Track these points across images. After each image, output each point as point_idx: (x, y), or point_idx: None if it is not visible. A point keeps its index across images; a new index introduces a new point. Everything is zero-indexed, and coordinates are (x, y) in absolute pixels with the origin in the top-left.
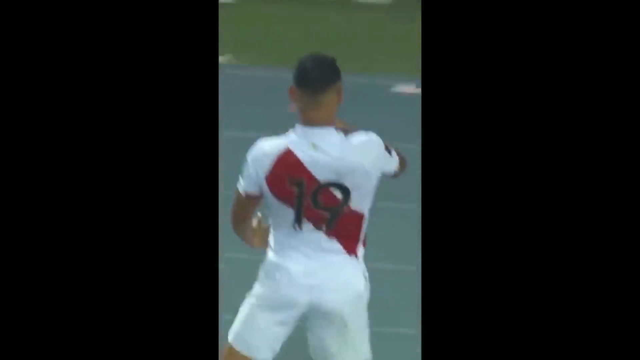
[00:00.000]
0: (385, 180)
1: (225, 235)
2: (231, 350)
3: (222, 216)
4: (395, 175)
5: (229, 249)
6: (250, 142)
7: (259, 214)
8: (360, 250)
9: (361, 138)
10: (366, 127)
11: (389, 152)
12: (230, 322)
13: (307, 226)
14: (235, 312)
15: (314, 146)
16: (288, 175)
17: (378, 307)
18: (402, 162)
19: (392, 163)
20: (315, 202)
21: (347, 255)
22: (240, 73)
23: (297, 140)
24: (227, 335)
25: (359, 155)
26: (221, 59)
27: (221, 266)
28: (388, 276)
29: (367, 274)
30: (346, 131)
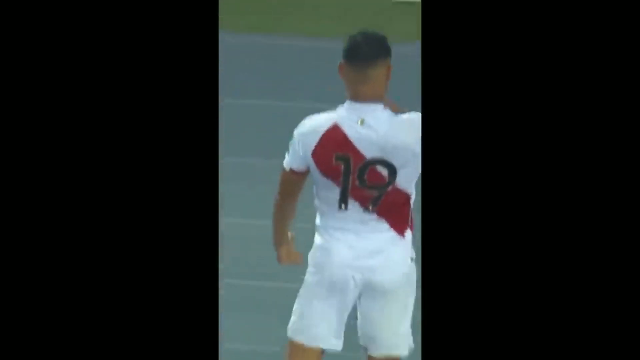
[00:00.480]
0: None
1: (225, 202)
2: (294, 344)
3: (221, 182)
4: None
5: (229, 214)
6: (250, 108)
7: (292, 233)
8: (408, 232)
9: (410, 116)
10: None
11: None
12: (230, 287)
13: (353, 205)
14: (235, 276)
15: (362, 121)
16: (334, 150)
17: None
18: None
19: None
20: (362, 180)
21: (394, 234)
22: (241, 40)
23: (345, 116)
24: (226, 301)
25: (406, 133)
26: (221, 25)
27: (221, 231)
28: None
29: (414, 255)
30: (395, 110)
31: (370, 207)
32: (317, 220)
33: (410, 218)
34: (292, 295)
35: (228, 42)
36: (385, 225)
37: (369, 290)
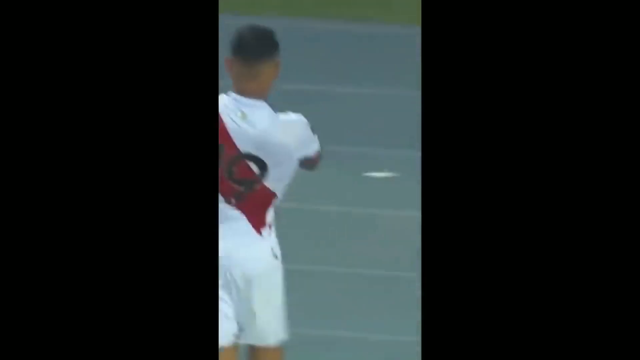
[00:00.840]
0: (385, 127)
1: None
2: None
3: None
4: (309, 165)
5: None
6: None
7: None
8: (266, 231)
9: (290, 117)
10: (365, 75)
11: (313, 133)
12: None
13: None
14: None
15: (243, 115)
16: None
17: (378, 253)
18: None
19: (314, 146)
20: (230, 172)
21: (253, 232)
22: (241, 23)
23: (228, 106)
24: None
25: (285, 133)
26: (221, 8)
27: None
28: (389, 222)
29: (278, 252)
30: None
31: (233, 201)
32: None
33: (269, 218)
34: (291, 276)
35: (228, 24)
36: (244, 222)
37: (234, 283)
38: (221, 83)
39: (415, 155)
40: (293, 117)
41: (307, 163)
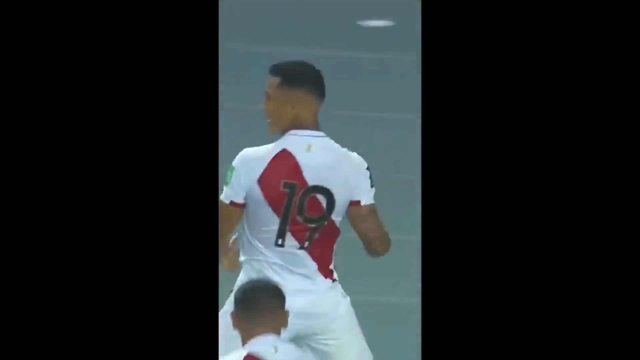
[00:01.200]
0: (385, 91)
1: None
2: None
3: (221, 164)
4: (366, 233)
5: None
6: (252, 56)
7: (233, 238)
8: (332, 271)
9: (352, 154)
10: (365, 42)
11: (371, 183)
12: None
13: (290, 241)
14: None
15: (309, 147)
16: (283, 177)
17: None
18: (383, 235)
19: (366, 195)
20: (301, 211)
21: (324, 279)
22: (239, 3)
23: (295, 141)
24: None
25: (346, 165)
26: None
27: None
28: (389, 189)
29: (343, 292)
30: None
31: (306, 244)
32: (246, 256)
33: (333, 256)
34: None
35: (229, 3)
36: (313, 266)
37: (307, 336)
38: (221, 48)
39: (415, 119)
40: (356, 155)
41: (356, 217)
